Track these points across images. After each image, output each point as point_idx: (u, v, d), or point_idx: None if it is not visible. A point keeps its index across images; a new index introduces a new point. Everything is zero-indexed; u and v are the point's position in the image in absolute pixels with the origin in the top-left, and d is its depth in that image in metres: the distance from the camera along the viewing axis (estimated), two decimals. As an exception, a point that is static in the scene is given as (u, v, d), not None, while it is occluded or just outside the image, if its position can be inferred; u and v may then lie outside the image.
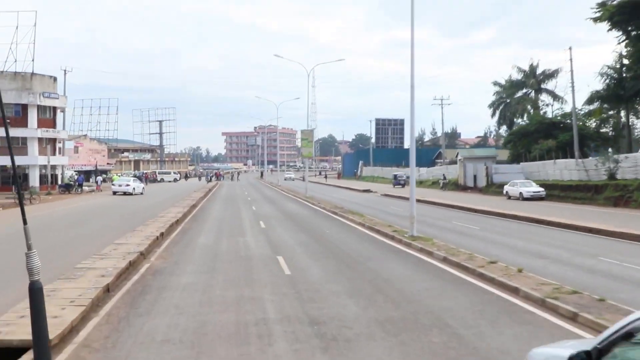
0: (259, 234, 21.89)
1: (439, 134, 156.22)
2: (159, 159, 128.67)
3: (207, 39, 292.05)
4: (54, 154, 53.19)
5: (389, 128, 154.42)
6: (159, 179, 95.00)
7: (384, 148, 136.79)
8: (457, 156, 63.50)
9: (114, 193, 50.73)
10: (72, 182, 51.21)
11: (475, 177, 55.08)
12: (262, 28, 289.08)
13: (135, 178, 61.55)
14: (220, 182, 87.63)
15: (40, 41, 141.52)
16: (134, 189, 51.11)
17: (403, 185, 62.07)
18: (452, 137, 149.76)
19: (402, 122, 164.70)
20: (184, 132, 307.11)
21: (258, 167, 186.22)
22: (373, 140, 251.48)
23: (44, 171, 51.36)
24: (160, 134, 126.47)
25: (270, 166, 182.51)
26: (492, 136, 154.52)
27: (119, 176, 62.31)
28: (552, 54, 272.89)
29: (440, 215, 30.71)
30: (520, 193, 42.01)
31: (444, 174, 61.34)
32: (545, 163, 49.54)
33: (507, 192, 44.20)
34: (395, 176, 67.14)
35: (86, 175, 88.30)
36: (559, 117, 60.36)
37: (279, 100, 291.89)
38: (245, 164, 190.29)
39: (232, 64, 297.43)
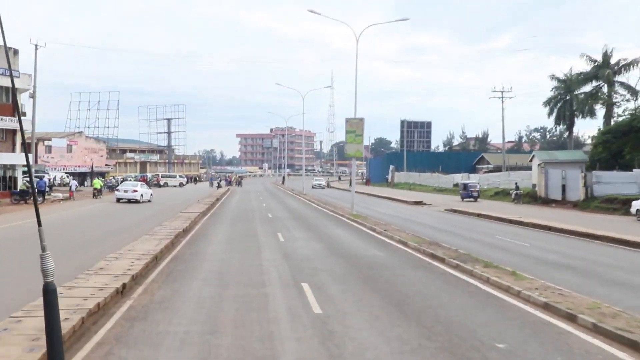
0: (311, 340, 8.25)
1: (470, 136, 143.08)
2: (167, 160, 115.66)
3: (222, 43, 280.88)
4: (13, 150, 39.96)
5: (415, 131, 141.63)
6: (162, 183, 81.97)
7: (410, 152, 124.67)
8: (530, 160, 49.59)
9: (118, 200, 41.23)
10: (27, 188, 37.71)
11: (564, 187, 41.22)
12: (276, 33, 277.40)
13: (142, 182, 48.96)
14: (232, 188, 74.34)
15: (56, 45, 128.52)
16: (141, 195, 42.04)
17: (476, 199, 47.79)
18: (483, 142, 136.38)
19: (429, 124, 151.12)
20: (198, 135, 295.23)
21: (274, 171, 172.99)
22: (397, 143, 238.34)
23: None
24: (169, 133, 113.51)
25: (288, 170, 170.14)
26: (524, 140, 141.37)
27: (102, 180, 49.04)
28: (571, 61, 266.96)
29: (582, 248, 16.93)
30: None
31: (516, 183, 47.35)
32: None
33: (639, 210, 30.41)
34: (465, 186, 50.98)
35: (81, 177, 75.47)
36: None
37: (293, 102, 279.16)
38: (260, 168, 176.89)
39: (248, 68, 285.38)
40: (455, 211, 36.02)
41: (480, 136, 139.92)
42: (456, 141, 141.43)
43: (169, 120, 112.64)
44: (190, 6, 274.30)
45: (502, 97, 64.12)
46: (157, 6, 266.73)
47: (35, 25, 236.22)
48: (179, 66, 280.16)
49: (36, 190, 24.01)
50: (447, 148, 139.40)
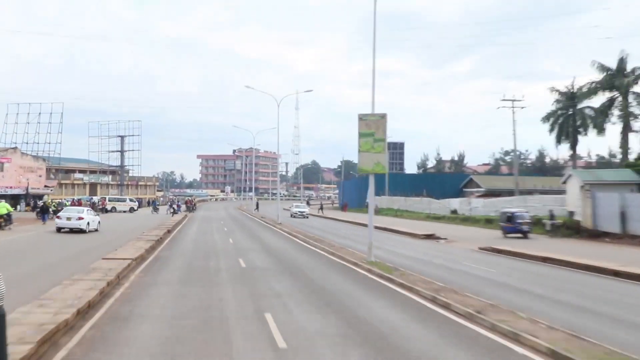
0: None
1: (445, 158, 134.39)
2: (119, 182, 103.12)
3: (185, 64, 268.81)
4: None
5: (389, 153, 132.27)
6: (108, 208, 69.80)
7: (391, 173, 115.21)
8: (564, 182, 39.53)
9: (59, 230, 34.13)
10: None
11: (623, 215, 31.25)
12: (240, 55, 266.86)
13: (88, 208, 39.51)
14: (191, 215, 62.74)
15: (17, 63, 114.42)
16: (88, 223, 34.99)
17: (526, 234, 33.92)
18: (459, 164, 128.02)
19: (402, 145, 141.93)
20: (157, 157, 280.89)
21: (237, 194, 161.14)
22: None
23: None
24: (122, 152, 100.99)
25: (250, 194, 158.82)
26: (500, 163, 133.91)
27: (5, 203, 37.25)
28: (528, 85, 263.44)
29: None
30: None
31: (551, 211, 36.99)
32: None
33: None
34: (510, 217, 35.26)
35: (13, 200, 62.91)
36: None
37: (257, 126, 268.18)
38: (222, 191, 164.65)
39: (210, 90, 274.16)
40: (501, 252, 25.52)
41: (455, 158, 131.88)
42: (430, 163, 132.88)
43: (122, 137, 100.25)
44: (151, 27, 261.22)
45: (513, 107, 54.59)
46: (118, 26, 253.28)
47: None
48: (140, 87, 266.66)
49: None
50: (421, 170, 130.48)
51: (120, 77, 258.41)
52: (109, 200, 74.35)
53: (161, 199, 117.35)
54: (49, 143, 76.67)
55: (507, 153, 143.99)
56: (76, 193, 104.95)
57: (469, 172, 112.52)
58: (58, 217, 35.04)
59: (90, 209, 41.81)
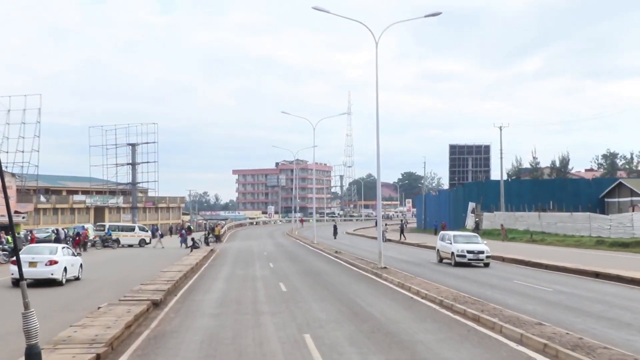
0: None
1: (543, 164, 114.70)
2: (130, 204, 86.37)
3: (219, 75, 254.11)
4: None
5: (468, 158, 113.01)
6: (109, 243, 52.44)
7: (462, 184, 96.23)
8: None
9: (16, 282, 20.69)
10: None
11: None
12: (280, 62, 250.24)
13: (65, 247, 26.24)
14: (217, 251, 44.26)
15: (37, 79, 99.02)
16: (64, 270, 23.22)
17: None
18: (561, 170, 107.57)
19: (487, 149, 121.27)
20: (190, 178, 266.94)
21: (282, 215, 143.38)
22: (431, 178, 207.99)
23: None
24: (133, 164, 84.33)
25: (298, 215, 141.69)
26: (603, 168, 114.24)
27: None
28: (609, 83, 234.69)
29: None
30: None
31: None
32: None
33: None
34: None
35: (-28, 233, 46.16)
36: None
37: (300, 141, 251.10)
38: (264, 212, 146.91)
39: (247, 103, 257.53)
40: None
41: (556, 164, 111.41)
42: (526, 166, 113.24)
43: (132, 145, 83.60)
44: (182, 35, 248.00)
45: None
46: (148, 35, 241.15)
47: (12, 54, 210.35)
48: (171, 101, 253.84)
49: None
50: (512, 178, 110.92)
51: (146, 91, 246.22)
52: (113, 231, 56.69)
53: (188, 224, 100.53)
54: (22, 152, 59.90)
55: (613, 156, 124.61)
56: (76, 220, 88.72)
57: (575, 178, 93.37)
58: (14, 263, 21.84)
59: (66, 246, 26.65)
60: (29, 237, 42.20)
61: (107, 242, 51.66)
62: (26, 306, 5.92)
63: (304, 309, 15.97)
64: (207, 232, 57.58)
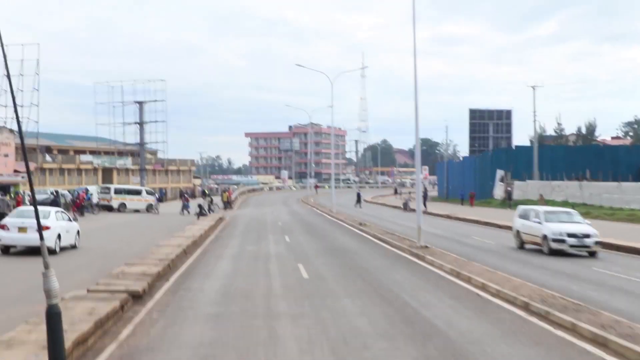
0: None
1: (567, 130, 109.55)
2: (139, 166, 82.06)
3: (228, 35, 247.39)
4: None
5: (489, 124, 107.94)
6: (115, 205, 48.49)
7: (483, 151, 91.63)
8: None
9: (2, 250, 20.05)
10: None
11: None
12: (291, 23, 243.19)
13: (59, 210, 22.82)
14: (227, 220, 39.66)
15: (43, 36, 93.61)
16: (58, 237, 20.17)
17: None
18: (587, 137, 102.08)
19: (509, 114, 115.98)
20: (202, 140, 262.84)
21: (296, 180, 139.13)
22: (447, 144, 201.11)
23: None
24: (141, 123, 79.66)
25: (312, 180, 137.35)
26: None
27: None
28: (628, 49, 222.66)
29: None
30: None
31: None
32: None
33: None
34: None
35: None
36: None
37: (312, 103, 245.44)
38: (277, 177, 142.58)
39: (258, 64, 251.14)
40: None
41: (582, 130, 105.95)
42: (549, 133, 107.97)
43: (140, 104, 78.79)
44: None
45: None
46: None
47: (21, 12, 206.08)
48: (179, 61, 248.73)
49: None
50: (541, 145, 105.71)
51: (156, 50, 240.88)
52: (116, 193, 52.50)
53: (199, 188, 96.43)
54: (21, 106, 55.29)
55: (628, 124, 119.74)
56: (83, 182, 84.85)
57: (614, 145, 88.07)
58: (2, 228, 20.11)
59: (60, 210, 23.05)
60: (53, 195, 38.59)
61: (86, 208, 44.30)
62: (46, 266, 6.01)
63: (334, 310, 11.49)
64: (208, 198, 48.23)
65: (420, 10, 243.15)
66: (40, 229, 6.50)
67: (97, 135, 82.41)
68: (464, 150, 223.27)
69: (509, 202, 50.48)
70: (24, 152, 6.69)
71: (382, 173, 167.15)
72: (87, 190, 48.42)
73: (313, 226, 33.31)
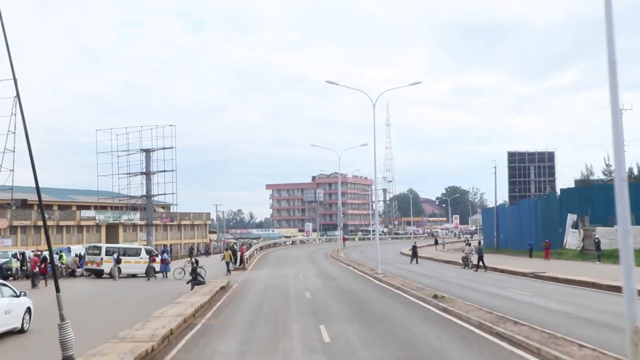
0: None
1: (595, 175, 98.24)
2: (145, 221, 71.32)
3: (250, 93, 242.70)
4: None
5: (530, 167, 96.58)
6: (105, 268, 37.72)
7: (523, 197, 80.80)
8: None
9: None
10: None
11: None
12: (311, 79, 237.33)
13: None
14: (234, 288, 28.15)
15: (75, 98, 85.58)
16: None
17: None
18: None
19: (551, 156, 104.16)
20: (224, 196, 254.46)
21: (321, 233, 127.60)
22: (474, 192, 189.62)
23: None
24: (148, 174, 69.44)
25: (336, 233, 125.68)
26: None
27: None
28: None
29: None
30: None
31: None
32: None
33: None
34: None
35: None
36: None
37: (335, 157, 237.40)
38: (301, 230, 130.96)
39: (280, 120, 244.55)
40: None
41: (634, 171, 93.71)
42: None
43: (147, 152, 68.83)
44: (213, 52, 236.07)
45: None
46: (179, 54, 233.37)
47: (47, 75, 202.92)
48: (203, 119, 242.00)
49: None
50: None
51: (181, 109, 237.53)
52: (108, 254, 40.93)
53: (215, 243, 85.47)
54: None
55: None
56: (85, 240, 74.56)
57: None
58: None
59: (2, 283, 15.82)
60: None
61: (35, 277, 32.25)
62: (62, 317, 6.27)
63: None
64: (192, 261, 31.96)
65: (438, 63, 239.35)
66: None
67: (99, 189, 72.08)
68: (490, 198, 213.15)
69: (597, 253, 38.67)
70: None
71: (411, 223, 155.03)
72: (60, 252, 37.55)
73: (360, 300, 21.71)
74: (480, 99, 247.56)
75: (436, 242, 74.72)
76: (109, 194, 71.32)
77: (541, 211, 55.21)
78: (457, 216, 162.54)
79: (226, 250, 41.66)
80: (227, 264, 39.80)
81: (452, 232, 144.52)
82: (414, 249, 45.53)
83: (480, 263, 35.17)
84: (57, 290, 6.14)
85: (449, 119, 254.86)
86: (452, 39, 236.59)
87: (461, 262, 37.43)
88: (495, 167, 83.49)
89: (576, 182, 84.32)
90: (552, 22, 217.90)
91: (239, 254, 42.62)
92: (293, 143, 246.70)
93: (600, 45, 8.90)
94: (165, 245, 63.70)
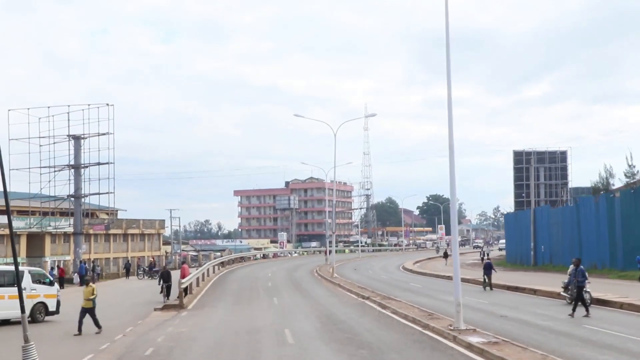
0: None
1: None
2: (77, 229, 53.73)
3: (222, 104, 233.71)
4: None
5: (540, 169, 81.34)
6: None
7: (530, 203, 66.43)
8: None
9: None
10: None
11: None
12: (285, 90, 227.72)
13: None
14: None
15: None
16: None
17: None
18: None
19: (563, 156, 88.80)
20: (196, 208, 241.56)
21: (295, 244, 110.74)
22: (466, 199, 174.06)
23: None
24: (76, 167, 52.23)
25: (314, 243, 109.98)
26: None
27: None
28: (619, 108, 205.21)
29: None
30: None
31: None
32: None
33: None
34: None
35: None
36: None
37: (307, 169, 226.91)
38: (273, 240, 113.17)
39: (254, 131, 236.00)
40: None
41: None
42: (616, 183, 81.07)
43: (76, 138, 51.79)
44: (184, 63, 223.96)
45: None
46: (149, 65, 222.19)
47: (15, 84, 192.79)
48: (175, 131, 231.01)
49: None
50: (601, 193, 79.00)
51: (151, 120, 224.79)
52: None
53: (170, 257, 68.39)
54: None
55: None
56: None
57: None
58: None
59: None
60: None
61: None
62: (26, 339, 5.72)
63: None
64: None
65: (414, 75, 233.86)
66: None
67: (12, 189, 54.30)
68: (470, 208, 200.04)
69: None
70: None
71: (393, 234, 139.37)
72: None
73: None
74: (455, 110, 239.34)
75: (445, 256, 58.77)
76: (24, 195, 53.72)
77: (607, 214, 39.43)
78: (443, 226, 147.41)
79: (87, 285, 19.45)
80: (167, 288, 22.87)
81: (435, 243, 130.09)
82: (489, 266, 28.74)
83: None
84: (22, 310, 5.91)
85: (423, 131, 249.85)
86: (426, 51, 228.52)
87: (563, 293, 21.28)
88: (524, 166, 68.84)
89: (593, 188, 69.19)
90: (523, 33, 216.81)
91: (178, 278, 25.50)
92: (267, 155, 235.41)
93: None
94: (82, 262, 46.46)
